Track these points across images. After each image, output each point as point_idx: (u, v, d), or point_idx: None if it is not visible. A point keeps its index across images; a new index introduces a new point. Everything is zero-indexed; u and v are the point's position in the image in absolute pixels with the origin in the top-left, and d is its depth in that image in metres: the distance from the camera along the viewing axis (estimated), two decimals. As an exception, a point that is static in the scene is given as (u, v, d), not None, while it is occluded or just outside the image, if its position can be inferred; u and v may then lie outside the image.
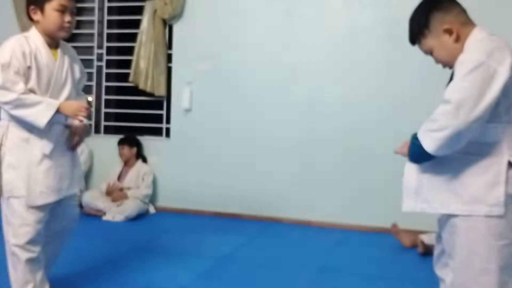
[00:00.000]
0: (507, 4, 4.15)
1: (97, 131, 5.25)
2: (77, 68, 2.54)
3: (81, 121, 2.36)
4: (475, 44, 1.77)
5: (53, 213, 2.45)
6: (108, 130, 5.31)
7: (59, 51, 2.40)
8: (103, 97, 5.23)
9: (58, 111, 2.26)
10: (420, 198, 1.89)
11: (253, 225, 4.52)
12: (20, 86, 2.20)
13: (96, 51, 5.25)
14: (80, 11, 5.43)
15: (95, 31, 5.25)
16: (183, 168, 4.94)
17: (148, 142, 5.10)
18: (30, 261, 2.35)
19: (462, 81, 1.70)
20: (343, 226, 4.50)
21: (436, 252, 2.06)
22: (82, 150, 4.98)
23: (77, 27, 5.50)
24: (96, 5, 5.24)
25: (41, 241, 2.39)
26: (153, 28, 4.86)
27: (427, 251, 3.62)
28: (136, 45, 4.95)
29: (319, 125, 4.59)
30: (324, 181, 4.57)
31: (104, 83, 5.22)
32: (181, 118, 4.95)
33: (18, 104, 2.20)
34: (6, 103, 2.20)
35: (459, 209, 1.79)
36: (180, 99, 4.89)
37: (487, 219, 1.74)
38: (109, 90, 5.28)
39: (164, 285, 2.96)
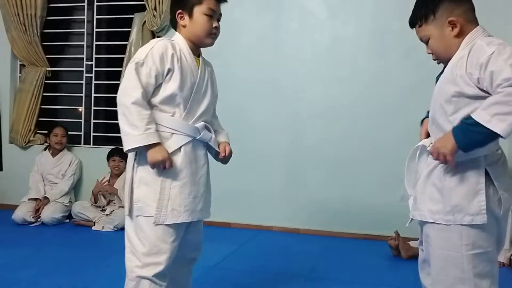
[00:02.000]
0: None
1: (86, 142, 5.28)
2: (215, 84, 2.36)
3: (153, 167, 2.06)
4: (485, 39, 1.74)
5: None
6: (98, 141, 5.33)
7: (201, 60, 2.26)
8: (93, 108, 5.26)
9: (145, 148, 2.01)
10: (414, 205, 1.92)
11: (242, 233, 4.56)
12: (138, 93, 1.99)
13: (85, 62, 5.29)
14: (69, 23, 5.48)
15: (84, 43, 5.29)
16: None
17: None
18: None
19: (506, 62, 1.62)
20: (331, 234, 4.55)
21: (419, 259, 2.04)
22: (72, 161, 5.02)
23: (67, 39, 5.57)
24: (85, 17, 5.29)
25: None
26: (142, 40, 4.91)
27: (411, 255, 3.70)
28: (125, 56, 4.99)
29: (305, 134, 4.65)
30: (312, 189, 4.62)
31: (93, 94, 5.26)
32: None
33: (124, 112, 2.00)
34: (119, 104, 2.02)
35: (442, 218, 1.79)
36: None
37: (462, 228, 1.75)
38: (98, 101, 5.32)
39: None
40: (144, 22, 4.92)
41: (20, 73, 5.48)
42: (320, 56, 4.65)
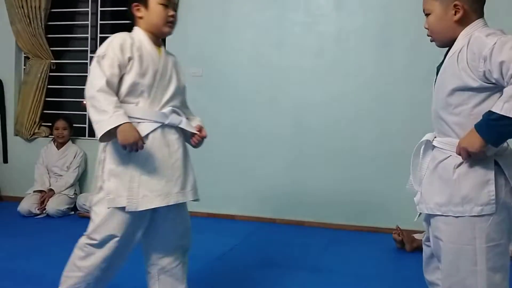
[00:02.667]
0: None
1: (91, 134, 5.29)
2: (181, 74, 2.40)
3: (124, 148, 2.06)
4: (483, 30, 1.74)
5: (154, 233, 2.30)
6: (102, 134, 5.33)
7: (162, 50, 2.29)
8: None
9: (115, 129, 2.00)
10: (421, 199, 1.90)
11: (246, 226, 4.57)
12: (101, 81, 2.03)
13: (89, 55, 5.29)
14: (73, 16, 5.48)
15: (88, 35, 5.29)
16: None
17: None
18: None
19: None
20: (335, 227, 4.56)
21: (424, 255, 2.02)
22: (77, 153, 5.04)
23: (71, 32, 5.58)
24: (89, 9, 5.29)
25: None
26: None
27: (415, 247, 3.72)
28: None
29: (310, 127, 4.65)
30: (316, 181, 4.62)
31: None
32: (175, 121, 4.99)
33: (91, 103, 2.03)
34: (87, 98, 2.06)
35: (450, 210, 1.76)
36: (173, 102, 4.93)
37: (474, 220, 1.73)
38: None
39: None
40: (148, 14, 4.91)
41: (24, 65, 5.48)
42: (325, 49, 4.63)
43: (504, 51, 1.61)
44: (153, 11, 2.21)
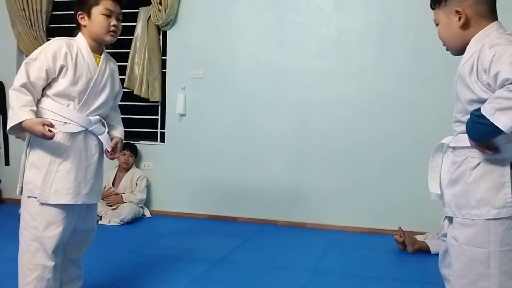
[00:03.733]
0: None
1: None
2: (117, 80, 2.55)
3: (45, 135, 2.17)
4: (492, 40, 1.73)
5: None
6: (104, 136, 5.33)
7: (102, 58, 2.42)
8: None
9: (21, 125, 2.16)
10: (445, 202, 1.92)
11: (248, 227, 4.57)
12: (19, 82, 2.18)
13: (91, 57, 5.30)
14: (74, 18, 5.48)
15: (89, 37, 5.30)
16: (178, 172, 4.98)
17: (143, 147, 5.14)
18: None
19: (507, 60, 1.61)
20: (337, 228, 4.56)
21: (441, 250, 2.04)
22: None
23: (72, 34, 5.56)
24: (90, 12, 5.29)
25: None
26: (147, 35, 4.92)
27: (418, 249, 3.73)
28: (130, 51, 5.00)
29: (312, 128, 4.65)
30: (318, 183, 4.63)
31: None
32: (176, 123, 5.00)
33: (11, 98, 2.17)
34: (9, 98, 2.19)
35: (468, 213, 1.77)
36: (175, 104, 4.94)
37: (489, 223, 1.73)
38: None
39: (160, 288, 2.99)
40: (149, 16, 4.92)
41: (26, 68, 5.48)
42: (326, 50, 4.63)
43: (499, 63, 1.61)
44: (95, 21, 2.34)
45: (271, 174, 4.74)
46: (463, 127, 1.79)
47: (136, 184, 4.87)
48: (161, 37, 5.06)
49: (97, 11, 2.33)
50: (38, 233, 2.28)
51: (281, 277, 3.26)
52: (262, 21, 4.78)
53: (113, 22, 2.35)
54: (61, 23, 5.39)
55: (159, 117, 5.12)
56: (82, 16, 2.36)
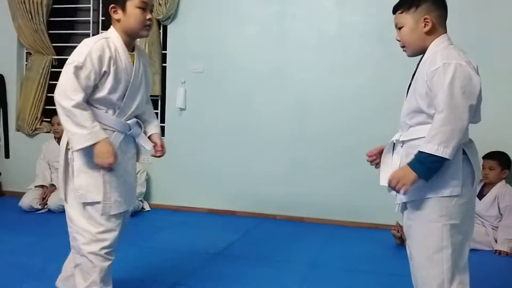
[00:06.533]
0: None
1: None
2: (149, 74, 2.47)
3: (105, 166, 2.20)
4: (444, 51, 1.97)
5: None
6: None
7: (135, 55, 2.32)
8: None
9: (93, 146, 2.12)
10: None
11: (246, 221, 4.59)
12: (79, 96, 2.09)
13: (91, 51, 5.30)
14: (75, 11, 5.49)
15: (90, 31, 5.30)
16: (178, 166, 5.00)
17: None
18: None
19: (444, 83, 1.89)
20: (335, 222, 4.58)
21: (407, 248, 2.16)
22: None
23: (72, 28, 5.59)
24: (91, 5, 5.30)
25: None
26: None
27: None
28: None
29: (311, 123, 4.66)
30: (316, 178, 4.64)
31: (99, 83, 5.27)
32: (176, 117, 5.01)
33: (68, 115, 2.09)
34: (60, 107, 2.10)
35: (424, 194, 1.98)
36: (175, 98, 4.95)
37: (442, 200, 1.95)
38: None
39: (158, 282, 3.00)
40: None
41: (26, 61, 5.50)
42: (326, 45, 4.64)
43: (438, 81, 1.89)
44: (131, 15, 2.23)
45: (270, 169, 4.76)
46: (415, 119, 2.04)
47: (136, 177, 4.88)
48: (161, 31, 5.06)
49: (132, 4, 2.21)
50: (93, 237, 2.23)
51: (279, 270, 3.28)
52: (262, 16, 4.78)
53: (148, 15, 2.25)
54: (61, 17, 5.40)
55: (159, 111, 5.13)
56: (115, 9, 2.24)
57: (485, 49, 4.15)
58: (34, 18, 5.23)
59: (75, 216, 2.27)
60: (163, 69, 5.04)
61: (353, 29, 4.58)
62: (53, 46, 5.37)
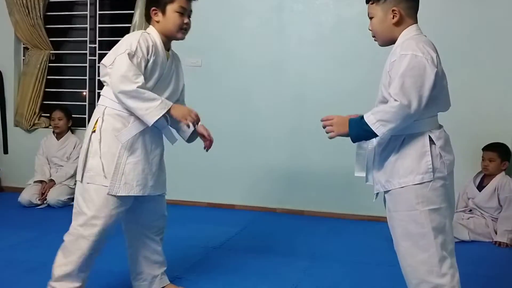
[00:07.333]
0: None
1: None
2: (182, 75, 2.62)
3: (188, 126, 2.47)
4: (409, 42, 2.01)
5: (137, 212, 2.51)
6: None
7: (170, 53, 2.50)
8: (97, 91, 5.27)
9: (169, 112, 2.29)
10: (375, 180, 2.19)
11: (246, 215, 4.59)
12: (141, 79, 2.23)
13: (88, 45, 5.29)
14: (72, 6, 5.47)
15: (87, 25, 5.28)
16: (176, 160, 4.98)
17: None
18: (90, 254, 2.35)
19: (397, 73, 1.95)
20: (336, 215, 4.58)
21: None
22: (76, 144, 5.05)
23: (69, 22, 5.56)
24: (88, 0, 5.27)
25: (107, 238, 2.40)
26: (145, 23, 4.89)
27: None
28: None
29: (310, 116, 4.64)
30: (316, 170, 4.64)
31: (97, 77, 5.25)
32: (174, 111, 4.99)
33: (135, 95, 2.21)
34: (124, 92, 2.21)
35: (398, 183, 2.02)
36: (173, 92, 4.94)
37: (416, 188, 1.98)
38: (102, 84, 5.30)
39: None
40: (147, 4, 4.90)
41: (23, 56, 5.48)
42: (324, 38, 4.63)
43: (393, 70, 2.00)
44: (170, 18, 2.38)
45: (270, 162, 4.75)
46: None
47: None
48: (159, 25, 5.04)
49: (172, 8, 2.36)
50: (87, 220, 2.31)
51: (279, 264, 3.28)
52: (260, 9, 4.76)
53: (186, 20, 2.40)
54: (58, 11, 5.38)
55: (157, 105, 5.12)
56: (156, 12, 2.39)
57: (488, 41, 4.14)
58: (31, 12, 5.20)
59: (80, 197, 2.36)
60: (161, 63, 5.01)
61: (350, 22, 4.56)
62: (50, 41, 5.35)
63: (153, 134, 2.45)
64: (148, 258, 2.62)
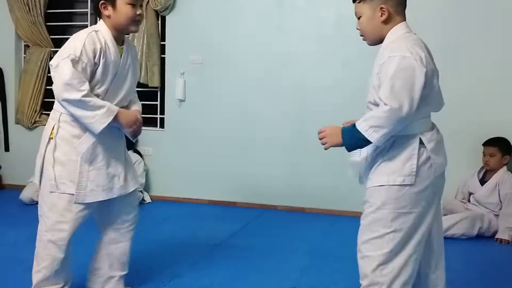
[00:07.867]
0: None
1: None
2: (137, 66, 2.51)
3: (132, 136, 2.42)
4: (398, 42, 1.99)
5: (107, 212, 2.49)
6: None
7: (124, 48, 2.36)
8: (97, 88, 5.27)
9: (115, 118, 2.23)
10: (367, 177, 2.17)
11: (247, 212, 4.59)
12: (85, 87, 2.14)
13: (89, 43, 5.28)
14: (73, 3, 5.46)
15: (88, 22, 5.27)
16: (178, 158, 4.99)
17: (142, 133, 5.11)
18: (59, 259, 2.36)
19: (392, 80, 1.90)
20: (336, 212, 4.58)
21: None
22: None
23: (70, 19, 5.56)
24: (88, -3, 5.27)
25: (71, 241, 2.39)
26: (146, 20, 4.89)
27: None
28: (128, 36, 4.98)
29: (311, 112, 4.64)
30: (317, 168, 4.63)
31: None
32: (175, 109, 5.00)
33: (79, 105, 2.14)
34: (68, 100, 2.14)
35: (377, 181, 2.03)
36: (174, 89, 4.94)
37: (393, 188, 1.98)
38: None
39: (160, 273, 3.02)
40: (148, 1, 4.89)
41: (24, 53, 5.48)
42: (325, 34, 4.61)
43: (382, 74, 1.94)
44: (121, 11, 2.25)
45: (271, 159, 4.75)
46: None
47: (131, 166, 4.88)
48: (160, 22, 5.03)
49: (122, 1, 2.24)
50: (52, 225, 2.32)
51: (280, 261, 3.29)
52: (261, 6, 4.75)
53: (139, 11, 2.28)
54: (59, 9, 5.37)
55: (158, 102, 5.12)
56: (105, 5, 2.25)
57: (489, 37, 4.12)
58: (31, 10, 5.20)
59: (42, 202, 2.37)
60: (162, 60, 5.01)
61: (352, 19, 4.48)
62: (51, 38, 5.34)
63: (113, 132, 2.37)
64: (112, 256, 2.57)
